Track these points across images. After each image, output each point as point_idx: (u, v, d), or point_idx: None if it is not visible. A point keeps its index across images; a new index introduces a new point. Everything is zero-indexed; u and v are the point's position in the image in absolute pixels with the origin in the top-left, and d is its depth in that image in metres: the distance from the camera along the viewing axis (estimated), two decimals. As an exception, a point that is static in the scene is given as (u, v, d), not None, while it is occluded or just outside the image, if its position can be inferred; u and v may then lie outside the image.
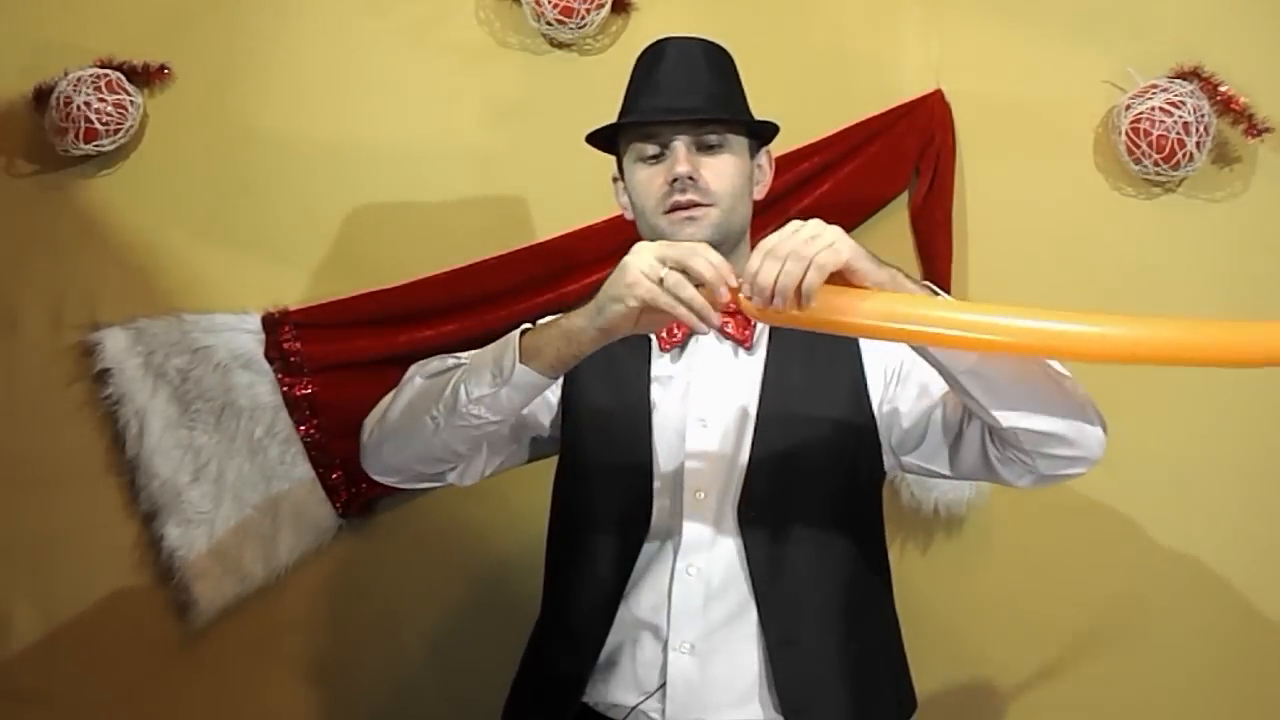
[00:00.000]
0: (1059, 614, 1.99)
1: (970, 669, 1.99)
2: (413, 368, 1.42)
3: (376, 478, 1.48)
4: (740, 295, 1.19)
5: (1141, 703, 1.99)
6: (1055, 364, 1.27)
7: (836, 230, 1.17)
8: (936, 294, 1.22)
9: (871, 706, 1.43)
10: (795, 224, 1.18)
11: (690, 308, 1.18)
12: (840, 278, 1.17)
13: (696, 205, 1.39)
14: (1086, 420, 1.27)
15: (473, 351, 1.38)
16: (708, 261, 1.19)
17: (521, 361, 1.27)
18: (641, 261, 1.21)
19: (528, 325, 1.32)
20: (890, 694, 1.48)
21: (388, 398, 1.43)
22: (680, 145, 1.39)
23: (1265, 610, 1.97)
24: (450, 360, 1.39)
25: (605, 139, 1.50)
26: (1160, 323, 1.15)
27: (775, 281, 1.14)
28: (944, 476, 1.44)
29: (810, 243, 1.15)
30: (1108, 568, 1.99)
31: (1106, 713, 2.00)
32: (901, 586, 1.55)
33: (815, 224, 1.17)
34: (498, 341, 1.32)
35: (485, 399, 1.29)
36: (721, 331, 1.44)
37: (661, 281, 1.19)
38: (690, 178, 1.38)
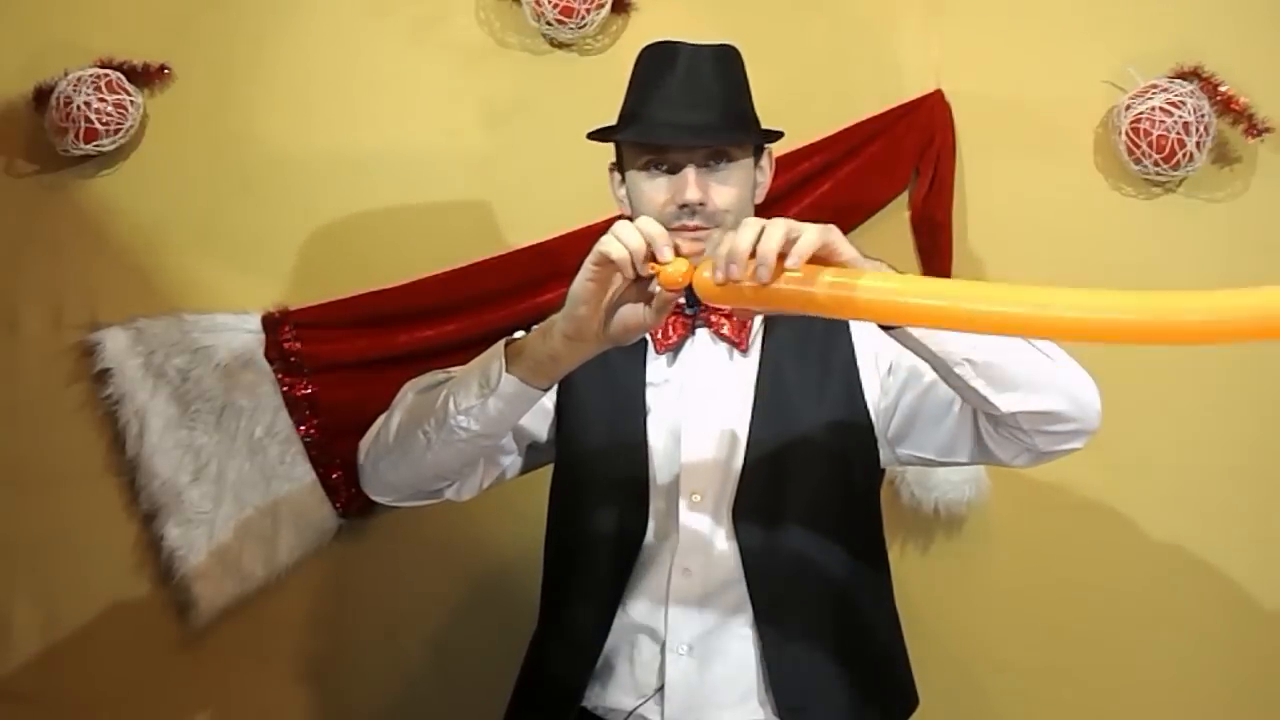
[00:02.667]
0: (1059, 614, 1.99)
1: (970, 669, 1.99)
2: (406, 385, 1.41)
3: (375, 498, 1.46)
4: (699, 271, 1.12)
5: (1141, 702, 1.99)
6: (1037, 340, 1.24)
7: (827, 228, 1.10)
8: None
9: (870, 704, 1.43)
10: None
11: (628, 244, 1.13)
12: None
13: (701, 228, 1.37)
14: (1083, 392, 1.25)
15: (464, 365, 1.37)
16: (638, 231, 1.14)
17: (508, 369, 1.25)
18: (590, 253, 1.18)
19: (518, 335, 1.30)
20: (890, 692, 1.48)
21: (382, 417, 1.41)
22: (691, 172, 1.36)
23: (1265, 609, 1.98)
24: (441, 375, 1.38)
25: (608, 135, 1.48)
26: (1139, 300, 0.95)
27: (754, 245, 1.06)
28: (939, 464, 1.43)
29: (787, 223, 1.08)
30: (1108, 567, 1.99)
31: (1106, 712, 2.00)
32: (901, 586, 1.55)
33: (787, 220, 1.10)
34: (486, 352, 1.30)
35: (473, 410, 1.27)
36: (717, 333, 1.44)
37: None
38: (700, 203, 1.36)
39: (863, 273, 1.06)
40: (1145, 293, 0.94)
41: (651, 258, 1.14)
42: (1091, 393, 1.26)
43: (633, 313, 1.18)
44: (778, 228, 1.06)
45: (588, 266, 1.15)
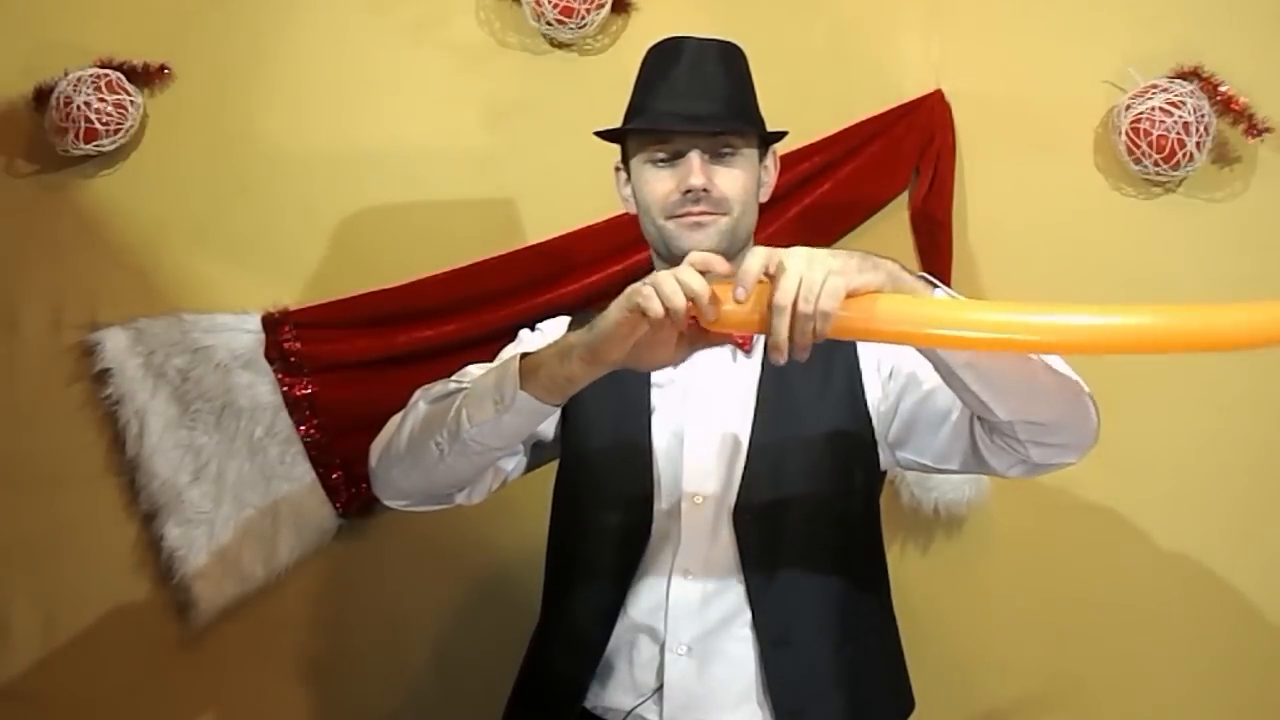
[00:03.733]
0: (1059, 614, 1.99)
1: (970, 669, 1.99)
2: (417, 392, 1.40)
3: (388, 503, 1.46)
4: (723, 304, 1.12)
5: (1141, 703, 1.99)
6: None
7: (823, 264, 1.08)
8: (934, 285, 1.20)
9: (868, 708, 1.43)
10: (791, 272, 1.08)
11: (670, 303, 1.10)
12: None
13: (707, 213, 1.38)
14: (1082, 408, 1.26)
15: (475, 374, 1.36)
16: (679, 288, 1.11)
17: (522, 386, 1.24)
18: (625, 296, 1.16)
19: (528, 350, 1.29)
20: (888, 695, 1.49)
21: (394, 422, 1.40)
22: (695, 156, 1.38)
23: (1265, 610, 1.97)
24: (452, 384, 1.37)
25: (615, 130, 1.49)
26: (1167, 312, 1.09)
27: (791, 340, 1.08)
28: (937, 470, 1.43)
29: (807, 299, 1.07)
30: (1108, 568, 1.99)
31: (1106, 713, 2.00)
32: (901, 586, 1.55)
33: (801, 264, 1.08)
34: (498, 365, 1.30)
35: (486, 425, 1.27)
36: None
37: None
38: (704, 189, 1.37)
39: (878, 298, 1.10)
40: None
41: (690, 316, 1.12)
42: (1090, 408, 1.27)
43: (661, 349, 1.18)
44: (805, 322, 1.07)
45: (621, 310, 1.14)
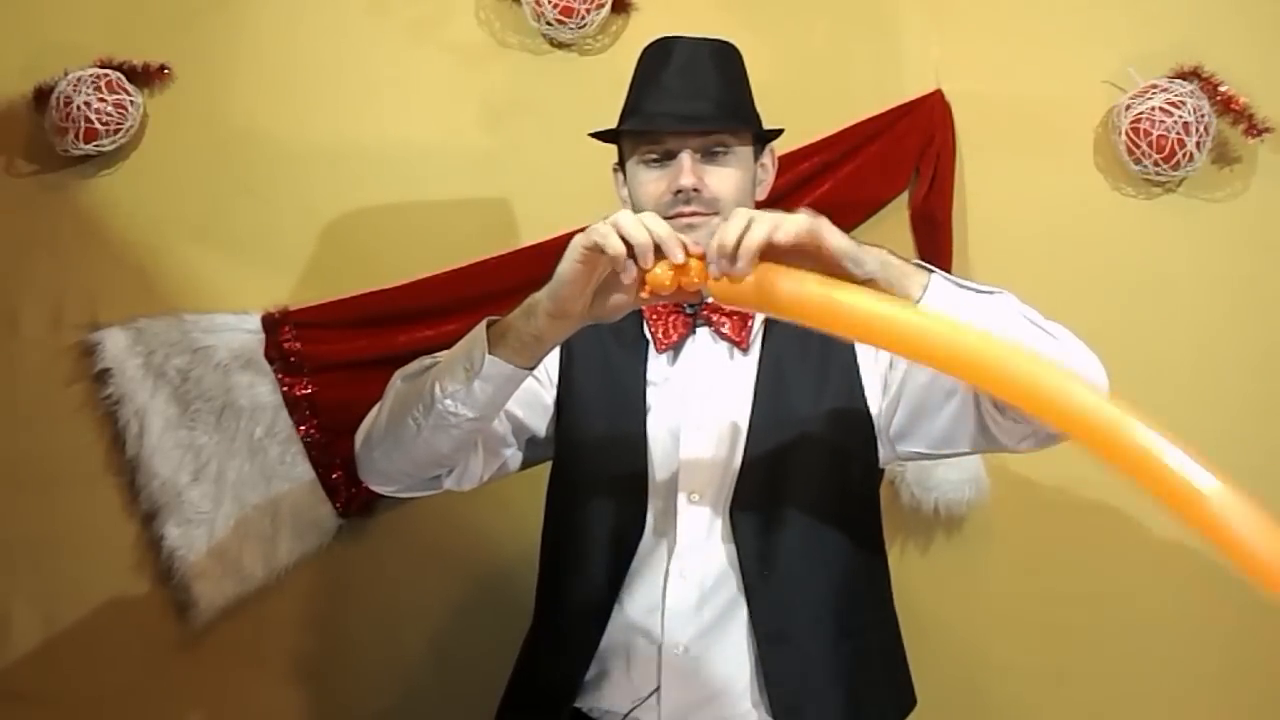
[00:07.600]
0: (1059, 614, 1.99)
1: (970, 669, 1.99)
2: (396, 373, 1.41)
3: (374, 488, 1.47)
4: (705, 267, 1.13)
5: (1142, 703, 1.99)
6: (1045, 321, 1.22)
7: (817, 217, 1.11)
8: (931, 272, 1.19)
9: (866, 705, 1.43)
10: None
11: (632, 238, 1.13)
12: (826, 268, 1.11)
13: (698, 214, 1.38)
14: (1090, 371, 1.21)
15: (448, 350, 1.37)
16: (644, 226, 1.14)
17: (490, 351, 1.25)
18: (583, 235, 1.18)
19: (496, 316, 1.30)
20: (887, 693, 1.48)
21: (376, 406, 1.42)
22: (686, 157, 1.38)
23: (1266, 610, 1.97)
24: (427, 360, 1.38)
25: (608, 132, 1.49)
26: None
27: (740, 238, 1.08)
28: (940, 456, 1.42)
29: (777, 215, 1.10)
30: (1108, 568, 1.99)
31: (1106, 713, 2.00)
32: (901, 586, 1.55)
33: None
34: (469, 334, 1.31)
35: (459, 394, 1.27)
36: (717, 332, 1.44)
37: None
38: (695, 189, 1.37)
39: (858, 289, 1.07)
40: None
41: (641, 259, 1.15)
42: (1098, 370, 1.23)
43: (620, 293, 1.19)
44: (764, 221, 1.09)
45: (578, 249, 1.16)
